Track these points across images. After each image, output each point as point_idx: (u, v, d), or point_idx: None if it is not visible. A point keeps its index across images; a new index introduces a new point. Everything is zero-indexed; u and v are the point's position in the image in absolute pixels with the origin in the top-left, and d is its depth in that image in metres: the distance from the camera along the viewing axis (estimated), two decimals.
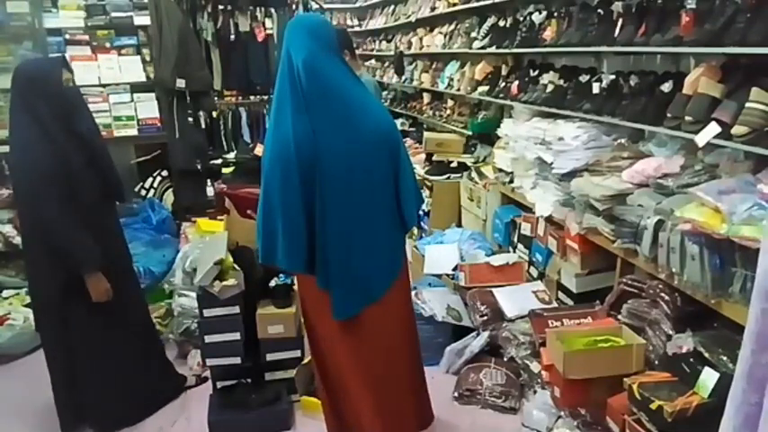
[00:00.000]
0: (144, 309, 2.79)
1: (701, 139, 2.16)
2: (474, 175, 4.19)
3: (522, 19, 3.80)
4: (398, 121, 6.15)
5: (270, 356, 2.60)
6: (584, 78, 3.11)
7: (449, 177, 4.46)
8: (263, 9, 4.63)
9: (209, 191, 4.42)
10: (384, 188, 1.96)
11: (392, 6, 7.11)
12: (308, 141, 1.81)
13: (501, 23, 4.14)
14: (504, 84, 4.03)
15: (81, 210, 2.32)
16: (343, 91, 1.88)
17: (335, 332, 2.02)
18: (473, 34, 4.52)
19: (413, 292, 2.78)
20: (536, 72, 3.65)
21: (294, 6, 4.77)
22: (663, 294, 2.26)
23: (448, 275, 3.35)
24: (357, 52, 4.48)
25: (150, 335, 2.78)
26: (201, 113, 4.40)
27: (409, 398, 2.21)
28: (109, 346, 2.50)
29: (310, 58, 1.81)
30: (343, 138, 1.85)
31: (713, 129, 2.12)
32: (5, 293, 3.49)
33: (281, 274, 2.63)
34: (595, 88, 2.94)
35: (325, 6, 7.35)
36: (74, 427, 2.54)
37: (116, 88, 4.12)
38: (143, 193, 4.39)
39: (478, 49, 4.29)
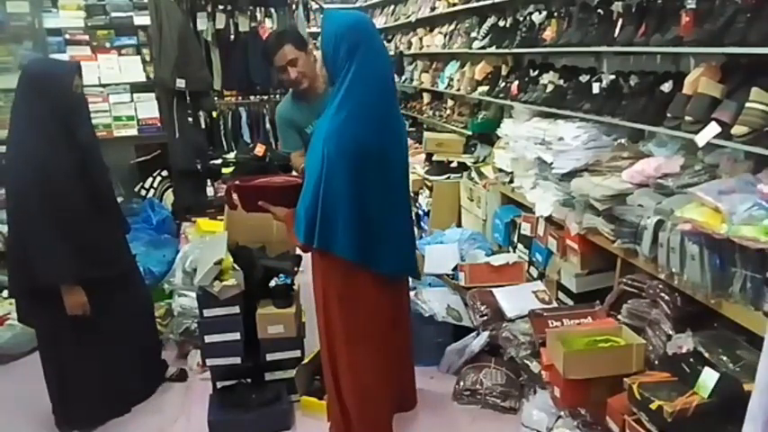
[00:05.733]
0: (144, 310, 2.81)
1: (701, 139, 2.15)
2: (474, 175, 4.19)
3: (522, 19, 3.80)
4: None
5: (270, 356, 2.60)
6: (584, 78, 3.11)
7: (449, 177, 4.46)
8: (263, 9, 4.64)
9: (210, 191, 4.42)
10: (407, 183, 2.32)
11: (392, 6, 7.11)
12: (375, 134, 2.04)
13: (501, 23, 4.14)
14: (504, 84, 4.03)
15: (64, 217, 2.30)
16: (395, 92, 2.21)
17: (370, 310, 2.20)
18: (473, 34, 4.52)
19: (413, 293, 2.81)
20: (536, 72, 3.65)
21: (294, 6, 4.78)
22: (663, 294, 2.26)
23: (448, 275, 3.35)
24: None
25: (147, 336, 2.81)
26: (201, 113, 4.41)
27: (408, 374, 2.54)
28: (98, 347, 2.52)
29: (386, 55, 2.13)
30: (396, 131, 2.18)
31: (713, 129, 2.12)
32: (5, 293, 3.49)
33: (281, 274, 2.63)
34: (595, 88, 2.94)
35: (325, 6, 7.34)
36: (66, 425, 2.55)
37: (116, 88, 4.13)
38: (143, 193, 4.39)
39: (478, 49, 4.29)
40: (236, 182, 2.47)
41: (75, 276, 2.33)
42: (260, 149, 4.32)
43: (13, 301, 3.38)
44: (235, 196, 2.36)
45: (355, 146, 1.99)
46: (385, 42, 7.43)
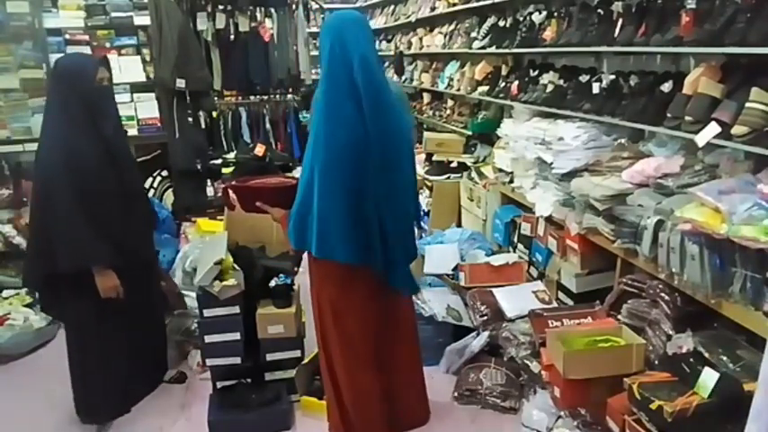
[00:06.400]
0: (158, 305, 2.86)
1: (701, 139, 2.16)
2: (474, 175, 4.19)
3: (522, 19, 3.80)
4: None
5: (270, 356, 2.59)
6: (584, 78, 3.12)
7: (449, 177, 4.46)
8: (263, 9, 4.64)
9: (210, 191, 4.43)
10: (412, 182, 2.24)
11: (392, 6, 7.11)
12: (364, 135, 1.93)
13: (501, 23, 4.14)
14: (504, 84, 4.03)
15: (93, 205, 2.34)
16: (386, 87, 2.03)
17: (357, 318, 2.15)
18: (473, 34, 4.52)
19: None
20: (536, 72, 3.65)
21: (294, 6, 4.78)
22: (663, 294, 2.26)
23: (448, 275, 3.35)
24: None
25: (159, 330, 2.86)
26: (201, 113, 4.41)
27: (414, 388, 2.41)
28: (120, 337, 2.55)
29: (367, 53, 1.94)
30: (389, 131, 2.00)
31: (713, 129, 2.12)
32: (5, 293, 3.49)
33: (281, 274, 2.63)
34: (595, 88, 2.95)
35: (325, 6, 7.35)
36: (87, 416, 2.59)
37: (116, 88, 4.10)
38: None
39: (478, 49, 4.29)
40: (233, 182, 2.49)
41: (107, 259, 2.39)
42: (260, 149, 4.32)
43: (12, 301, 3.41)
44: (233, 196, 2.36)
45: (342, 148, 1.94)
46: (385, 42, 7.46)
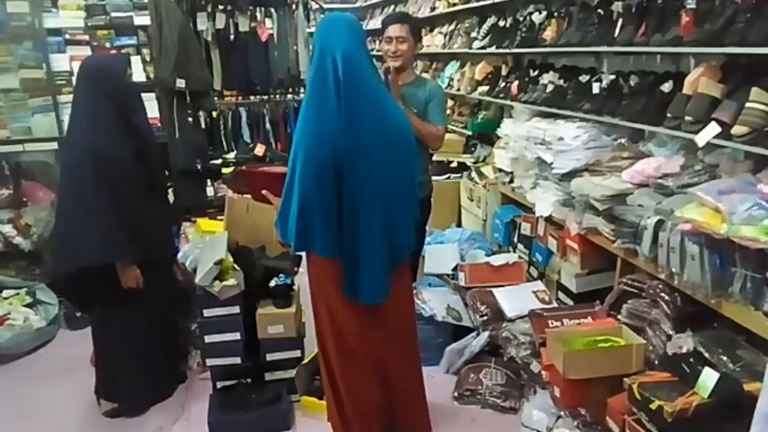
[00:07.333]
0: (173, 301, 2.87)
1: (701, 139, 2.16)
2: (474, 175, 4.19)
3: (522, 19, 3.80)
4: None
5: (270, 356, 2.60)
6: (584, 78, 3.12)
7: (449, 177, 4.46)
8: (262, 9, 4.63)
9: (210, 191, 4.42)
10: (400, 185, 2.05)
11: (392, 6, 7.11)
12: (341, 134, 1.89)
13: (501, 23, 4.14)
14: (504, 84, 4.03)
15: (120, 199, 2.38)
16: (372, 87, 1.98)
17: (351, 318, 2.10)
18: (473, 34, 4.52)
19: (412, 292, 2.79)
20: (536, 72, 3.65)
21: (294, 6, 4.77)
22: (663, 294, 2.26)
23: (448, 275, 3.35)
24: None
25: (173, 326, 2.88)
26: (201, 113, 4.40)
27: (414, 396, 2.30)
28: (137, 330, 2.58)
29: (349, 52, 1.90)
30: (370, 132, 1.94)
31: (713, 129, 2.13)
32: (5, 293, 3.49)
33: (281, 274, 2.63)
34: (595, 88, 2.95)
35: (325, 6, 7.34)
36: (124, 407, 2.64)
37: None
38: None
39: (478, 49, 4.29)
40: (244, 167, 2.50)
41: (132, 253, 2.43)
42: (260, 149, 4.32)
43: (12, 301, 3.41)
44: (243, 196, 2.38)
45: (319, 147, 1.93)
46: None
